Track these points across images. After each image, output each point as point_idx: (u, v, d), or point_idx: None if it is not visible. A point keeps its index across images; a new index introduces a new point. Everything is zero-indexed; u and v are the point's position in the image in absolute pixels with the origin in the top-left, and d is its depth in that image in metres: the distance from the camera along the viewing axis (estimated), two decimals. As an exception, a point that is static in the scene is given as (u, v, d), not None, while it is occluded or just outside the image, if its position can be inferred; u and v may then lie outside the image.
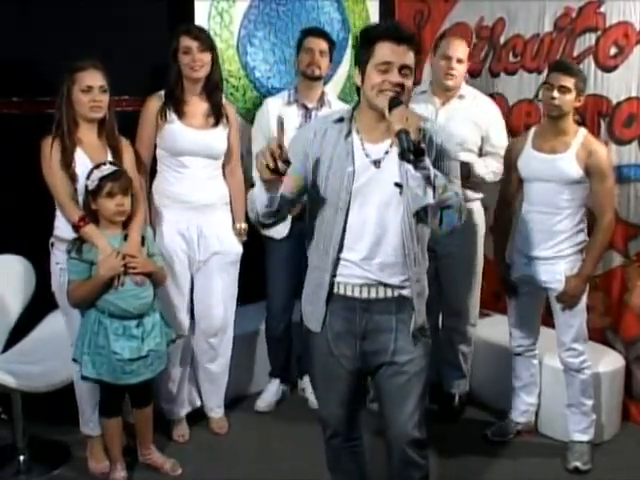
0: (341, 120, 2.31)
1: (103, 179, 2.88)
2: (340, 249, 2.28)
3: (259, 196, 2.19)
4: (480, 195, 3.66)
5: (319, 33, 3.61)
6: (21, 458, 3.21)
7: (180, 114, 3.26)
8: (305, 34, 3.62)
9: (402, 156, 2.02)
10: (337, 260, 2.29)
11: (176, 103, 3.26)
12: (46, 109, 3.10)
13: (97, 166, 2.93)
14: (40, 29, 3.34)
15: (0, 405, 3.35)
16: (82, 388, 3.16)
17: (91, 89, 2.94)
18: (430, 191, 2.07)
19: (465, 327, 3.77)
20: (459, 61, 3.48)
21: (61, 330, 3.13)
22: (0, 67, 3.28)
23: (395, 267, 2.28)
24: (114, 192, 2.89)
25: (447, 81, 3.50)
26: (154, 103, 3.28)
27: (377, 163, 2.24)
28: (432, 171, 2.07)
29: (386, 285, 2.29)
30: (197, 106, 3.31)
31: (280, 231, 3.59)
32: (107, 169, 2.91)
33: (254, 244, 3.58)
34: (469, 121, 3.50)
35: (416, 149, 2.01)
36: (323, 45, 3.56)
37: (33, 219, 3.13)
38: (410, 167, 2.05)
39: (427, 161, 2.06)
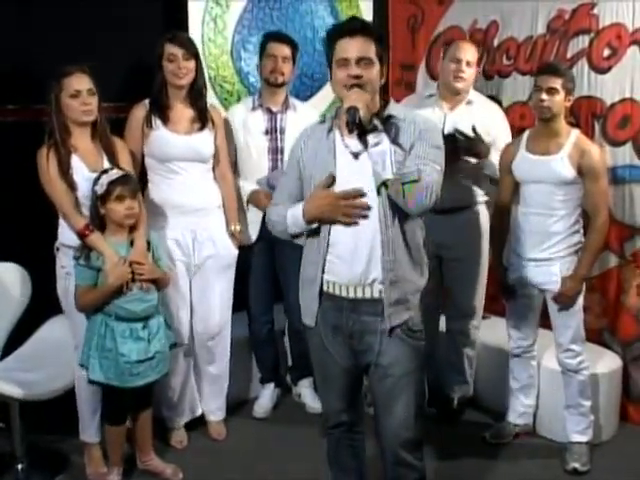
0: (324, 120, 2.46)
1: (112, 183, 2.89)
2: (328, 242, 2.34)
3: (294, 224, 2.38)
4: (485, 198, 3.66)
5: (281, 38, 3.58)
6: (19, 467, 3.20)
7: (165, 120, 3.26)
8: (267, 39, 3.60)
9: (350, 130, 2.21)
10: (326, 254, 2.35)
11: (161, 110, 3.27)
12: (43, 116, 3.09)
13: (105, 171, 2.94)
14: (35, 36, 3.34)
15: (-3, 413, 3.35)
16: (82, 395, 3.16)
17: (79, 93, 2.94)
18: (389, 167, 2.18)
19: (472, 330, 3.76)
20: (468, 64, 3.48)
21: (59, 337, 3.13)
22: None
23: (375, 259, 2.30)
24: (124, 196, 2.91)
25: (456, 83, 3.49)
26: (139, 111, 3.28)
27: (356, 155, 2.31)
28: (389, 148, 2.18)
29: (372, 283, 2.32)
30: (182, 112, 3.32)
31: (249, 237, 3.63)
32: (115, 173, 2.93)
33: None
34: (474, 127, 3.46)
35: (362, 123, 2.16)
36: (286, 51, 3.53)
37: (30, 227, 3.13)
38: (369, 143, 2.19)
39: (381, 137, 2.19)
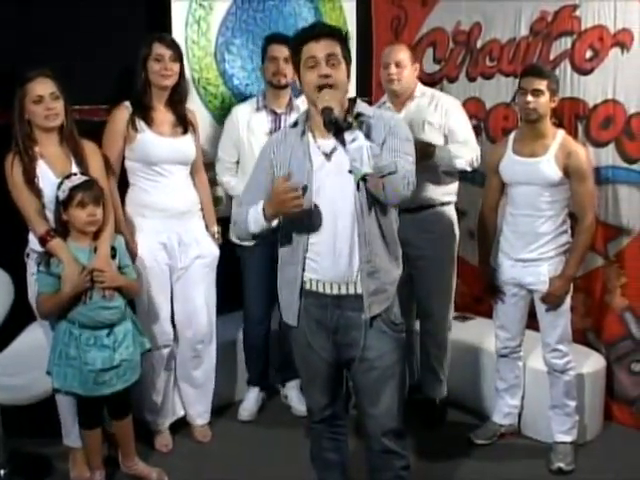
0: (297, 124, 2.48)
1: (74, 189, 2.85)
2: (307, 241, 2.38)
3: (254, 222, 2.37)
4: (452, 198, 3.66)
5: (282, 40, 3.57)
6: (2, 472, 3.16)
7: (149, 122, 3.25)
8: (268, 41, 3.62)
9: (328, 129, 2.25)
10: (305, 252, 2.39)
11: (144, 111, 3.25)
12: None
13: (68, 176, 2.90)
14: (19, 37, 3.31)
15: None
16: (62, 399, 3.13)
17: (42, 98, 2.90)
18: (367, 161, 2.20)
19: (437, 331, 3.73)
20: (398, 65, 3.50)
21: (41, 341, 3.09)
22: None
23: (354, 254, 2.34)
24: (85, 202, 2.87)
25: (391, 86, 3.53)
26: (122, 113, 3.25)
27: (328, 156, 2.36)
28: (365, 143, 2.21)
29: (354, 279, 2.36)
30: (164, 115, 3.32)
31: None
32: (78, 179, 2.89)
33: (230, 253, 3.59)
34: (426, 124, 3.50)
35: (338, 122, 2.22)
36: (287, 52, 3.51)
37: (10, 230, 3.09)
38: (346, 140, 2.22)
39: (357, 134, 2.22)
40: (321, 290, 2.39)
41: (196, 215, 3.44)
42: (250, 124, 3.60)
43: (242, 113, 3.65)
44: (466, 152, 3.46)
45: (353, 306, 2.38)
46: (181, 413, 3.63)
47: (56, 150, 3.00)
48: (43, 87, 2.91)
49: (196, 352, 3.51)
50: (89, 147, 3.08)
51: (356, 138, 2.22)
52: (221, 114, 3.94)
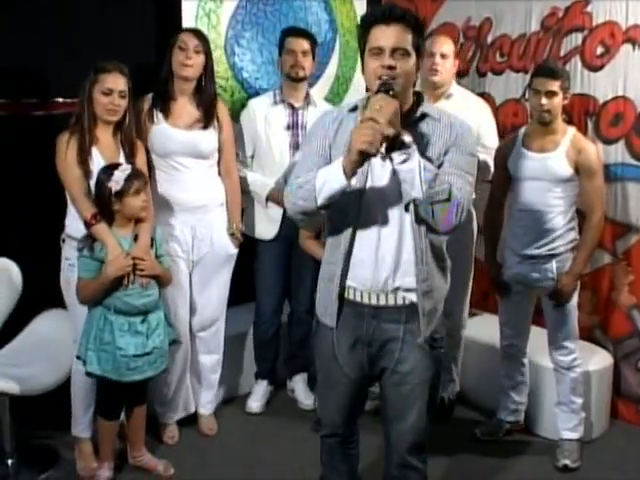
0: (356, 108, 2.23)
1: (129, 178, 2.91)
2: (352, 241, 2.21)
3: (329, 183, 2.07)
4: (472, 196, 3.64)
5: (300, 33, 3.59)
6: (9, 462, 3.18)
7: (166, 114, 3.25)
8: (286, 34, 3.61)
9: (383, 158, 2.03)
10: (348, 255, 2.21)
11: (164, 102, 3.26)
12: (32, 111, 3.08)
13: (115, 167, 2.95)
14: (26, 31, 3.32)
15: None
16: (77, 389, 3.15)
17: (111, 92, 2.97)
18: (418, 185, 2.01)
19: (455, 330, 3.74)
20: (443, 56, 3.46)
21: (50, 331, 3.11)
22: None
23: (402, 267, 2.20)
24: (140, 189, 2.94)
25: (432, 77, 3.47)
26: (142, 105, 3.26)
27: (384, 157, 2.10)
28: (419, 165, 2.00)
29: (395, 290, 2.21)
30: (185, 107, 3.30)
31: (270, 231, 3.60)
32: (127, 168, 2.95)
33: (242, 246, 3.57)
34: None
35: (389, 140, 1.96)
36: (305, 45, 3.54)
37: (21, 220, 3.11)
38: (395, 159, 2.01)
39: (410, 153, 2.00)
40: (359, 300, 2.23)
41: (214, 210, 3.40)
42: (268, 118, 3.58)
43: (259, 107, 3.63)
44: (485, 162, 3.42)
45: (391, 318, 2.23)
46: (192, 410, 3.63)
47: (109, 139, 3.06)
48: (115, 82, 2.97)
49: (200, 339, 3.53)
50: (138, 144, 3.13)
51: (408, 158, 1.99)
52: (230, 107, 3.93)
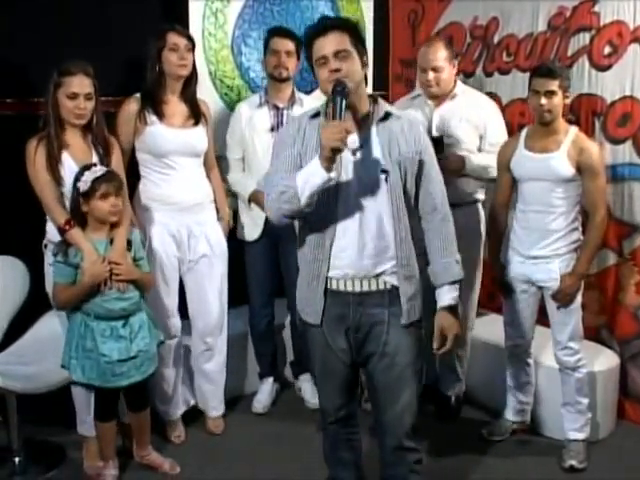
0: (317, 115, 2.39)
1: (96, 180, 2.85)
2: (333, 239, 2.33)
3: (310, 181, 2.20)
4: (481, 197, 3.65)
5: (285, 33, 3.57)
6: (16, 460, 3.20)
7: (160, 115, 3.24)
8: (271, 34, 3.60)
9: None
10: (331, 250, 2.34)
11: (155, 104, 3.24)
12: (38, 110, 3.07)
13: (88, 167, 2.90)
14: (32, 29, 3.33)
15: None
16: (77, 389, 3.15)
17: (77, 96, 2.91)
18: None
19: (461, 330, 3.72)
20: (435, 70, 3.42)
21: (56, 331, 3.12)
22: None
23: (383, 252, 2.34)
24: (108, 193, 2.87)
25: (430, 90, 3.48)
26: (132, 106, 3.25)
27: (354, 152, 2.32)
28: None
29: (378, 275, 2.35)
30: (176, 106, 3.31)
31: (254, 232, 3.65)
32: (99, 170, 2.89)
33: (238, 250, 3.63)
34: (464, 121, 3.48)
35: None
36: (289, 45, 3.53)
37: (28, 221, 3.12)
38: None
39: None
40: (342, 288, 2.36)
41: (207, 208, 3.44)
42: (252, 121, 3.59)
43: (245, 110, 3.64)
44: (492, 161, 3.42)
45: (376, 302, 2.37)
46: (192, 402, 3.65)
47: (79, 141, 3.02)
48: (81, 85, 2.91)
49: (207, 345, 3.53)
50: (111, 142, 3.10)
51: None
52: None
